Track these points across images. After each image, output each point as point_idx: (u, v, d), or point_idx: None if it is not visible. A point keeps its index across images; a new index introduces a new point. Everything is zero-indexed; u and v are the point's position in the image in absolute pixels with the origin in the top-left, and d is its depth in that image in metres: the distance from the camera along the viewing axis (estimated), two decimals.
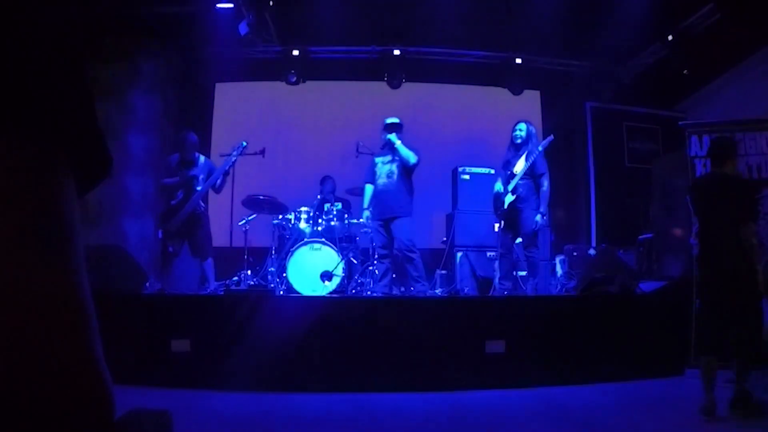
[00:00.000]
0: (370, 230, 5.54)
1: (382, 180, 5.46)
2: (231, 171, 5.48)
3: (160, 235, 5.54)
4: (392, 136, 5.42)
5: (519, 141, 5.36)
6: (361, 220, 5.76)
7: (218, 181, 5.39)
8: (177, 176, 5.34)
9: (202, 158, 5.50)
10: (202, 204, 5.43)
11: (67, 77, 0.50)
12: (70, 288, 0.47)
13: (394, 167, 5.44)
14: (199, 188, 5.32)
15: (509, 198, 5.30)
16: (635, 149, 8.44)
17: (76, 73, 0.51)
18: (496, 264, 5.68)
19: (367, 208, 5.64)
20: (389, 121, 5.59)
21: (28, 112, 0.45)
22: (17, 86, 0.45)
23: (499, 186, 5.50)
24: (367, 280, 5.64)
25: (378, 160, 5.60)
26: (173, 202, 5.31)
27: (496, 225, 5.55)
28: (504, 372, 4.12)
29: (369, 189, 5.66)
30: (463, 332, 4.18)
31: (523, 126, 5.40)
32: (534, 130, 5.48)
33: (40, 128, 0.46)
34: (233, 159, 5.38)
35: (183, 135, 5.49)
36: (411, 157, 5.41)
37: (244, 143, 5.47)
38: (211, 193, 5.73)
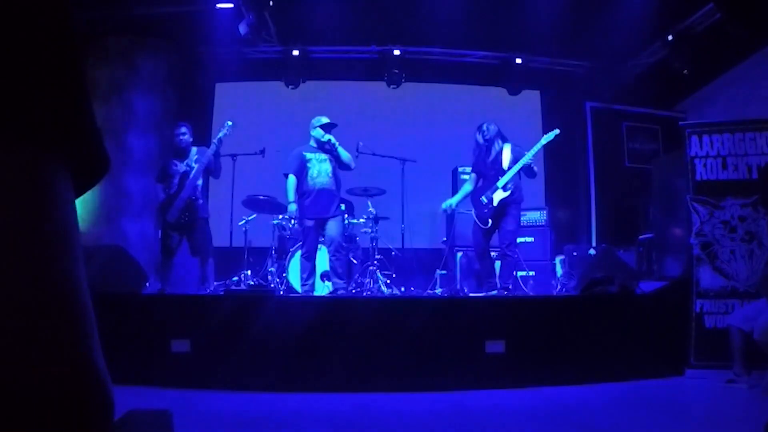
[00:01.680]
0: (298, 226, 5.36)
1: (321, 179, 5.26)
2: (220, 152, 5.39)
3: (160, 235, 5.52)
4: (332, 138, 5.30)
5: (488, 140, 5.37)
6: (284, 216, 5.71)
7: (211, 163, 5.29)
8: (171, 171, 5.30)
9: (194, 149, 5.41)
10: (200, 198, 5.32)
11: (63, 75, 0.49)
12: (69, 288, 0.47)
13: (330, 167, 5.31)
14: (192, 175, 5.22)
15: (500, 194, 5.24)
16: (635, 149, 8.44)
17: (73, 70, 0.51)
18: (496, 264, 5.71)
19: (294, 201, 5.36)
20: (326, 120, 5.40)
21: (23, 110, 0.45)
22: (12, 84, 0.44)
23: (467, 187, 5.53)
24: (367, 280, 5.64)
25: (310, 156, 5.33)
26: (170, 192, 5.23)
27: (485, 222, 5.32)
28: (504, 372, 4.11)
29: (293, 180, 5.34)
30: (463, 332, 4.18)
31: (492, 127, 5.40)
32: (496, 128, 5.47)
33: (36, 127, 0.46)
34: (220, 137, 5.30)
35: (175, 127, 5.48)
36: (352, 162, 5.39)
37: (230, 122, 5.39)
38: (211, 192, 5.72)
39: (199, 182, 5.29)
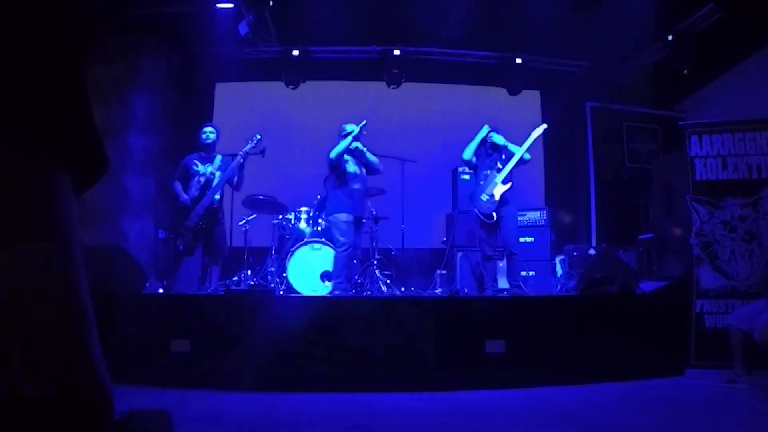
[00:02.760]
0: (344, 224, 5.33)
1: (358, 180, 5.38)
2: (244, 165, 5.47)
3: (161, 235, 5.53)
4: (359, 145, 5.38)
5: (494, 145, 5.59)
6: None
7: (235, 177, 5.38)
8: (192, 171, 5.32)
9: (218, 157, 5.45)
10: (219, 208, 5.39)
11: (62, 76, 0.49)
12: (68, 288, 0.47)
13: (360, 170, 5.44)
14: (215, 184, 5.30)
15: (501, 188, 5.35)
16: (635, 149, 8.44)
17: (72, 71, 0.51)
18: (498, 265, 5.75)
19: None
20: (353, 128, 5.47)
21: (23, 111, 0.45)
22: (12, 85, 0.44)
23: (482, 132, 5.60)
24: (367, 280, 5.64)
25: (347, 157, 5.43)
26: (189, 199, 5.25)
27: (487, 218, 5.43)
28: (504, 372, 4.11)
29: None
30: (463, 332, 4.18)
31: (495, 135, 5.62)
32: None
33: (36, 128, 0.46)
34: (247, 150, 5.38)
35: (199, 129, 5.50)
36: (380, 167, 5.50)
37: (258, 136, 5.48)
38: None
39: (217, 196, 5.34)
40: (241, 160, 5.36)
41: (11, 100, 0.44)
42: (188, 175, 5.32)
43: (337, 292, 5.11)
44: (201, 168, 5.33)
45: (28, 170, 0.45)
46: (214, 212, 5.29)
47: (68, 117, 0.49)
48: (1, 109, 0.43)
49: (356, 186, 5.35)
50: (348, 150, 5.40)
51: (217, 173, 5.33)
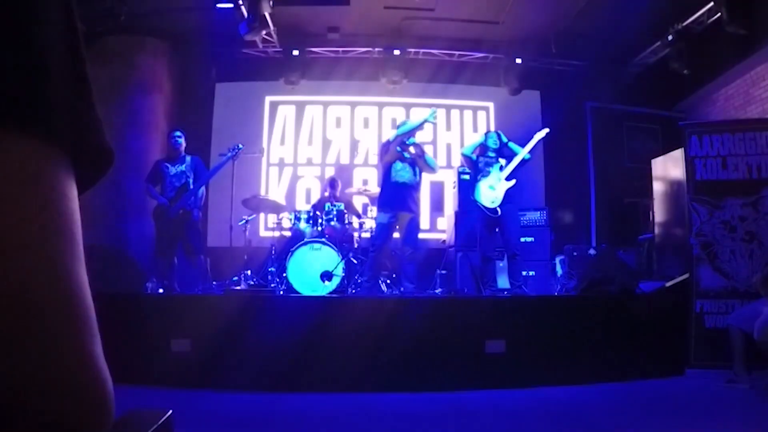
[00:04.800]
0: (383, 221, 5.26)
1: (405, 173, 5.25)
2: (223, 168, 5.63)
3: (155, 236, 5.60)
4: (415, 140, 5.31)
5: (495, 148, 5.59)
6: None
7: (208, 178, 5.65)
8: (163, 174, 5.53)
9: (188, 158, 5.65)
10: (196, 209, 5.55)
11: (65, 68, 0.49)
12: (70, 287, 0.47)
13: (411, 163, 5.33)
14: (191, 187, 5.50)
15: (505, 185, 5.34)
16: (635, 149, 8.43)
17: (75, 63, 0.50)
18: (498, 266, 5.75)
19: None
20: (410, 124, 5.42)
21: (24, 104, 0.45)
22: (11, 73, 0.44)
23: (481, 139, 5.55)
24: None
25: (398, 150, 5.36)
26: (163, 200, 5.43)
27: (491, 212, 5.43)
28: (504, 372, 4.11)
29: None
30: (463, 332, 4.18)
31: (494, 135, 5.66)
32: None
33: (37, 122, 0.45)
34: (225, 160, 5.55)
35: (169, 134, 5.77)
36: (436, 167, 5.39)
37: (240, 146, 5.62)
38: (211, 192, 5.77)
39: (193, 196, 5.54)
40: (219, 168, 5.60)
41: (10, 89, 0.44)
42: (161, 178, 5.54)
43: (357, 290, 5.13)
44: (172, 169, 5.54)
45: (30, 165, 0.45)
46: (188, 214, 5.45)
47: (71, 110, 0.48)
48: (1, 103, 0.43)
49: (401, 181, 5.19)
50: (403, 144, 5.27)
51: (190, 175, 5.55)
